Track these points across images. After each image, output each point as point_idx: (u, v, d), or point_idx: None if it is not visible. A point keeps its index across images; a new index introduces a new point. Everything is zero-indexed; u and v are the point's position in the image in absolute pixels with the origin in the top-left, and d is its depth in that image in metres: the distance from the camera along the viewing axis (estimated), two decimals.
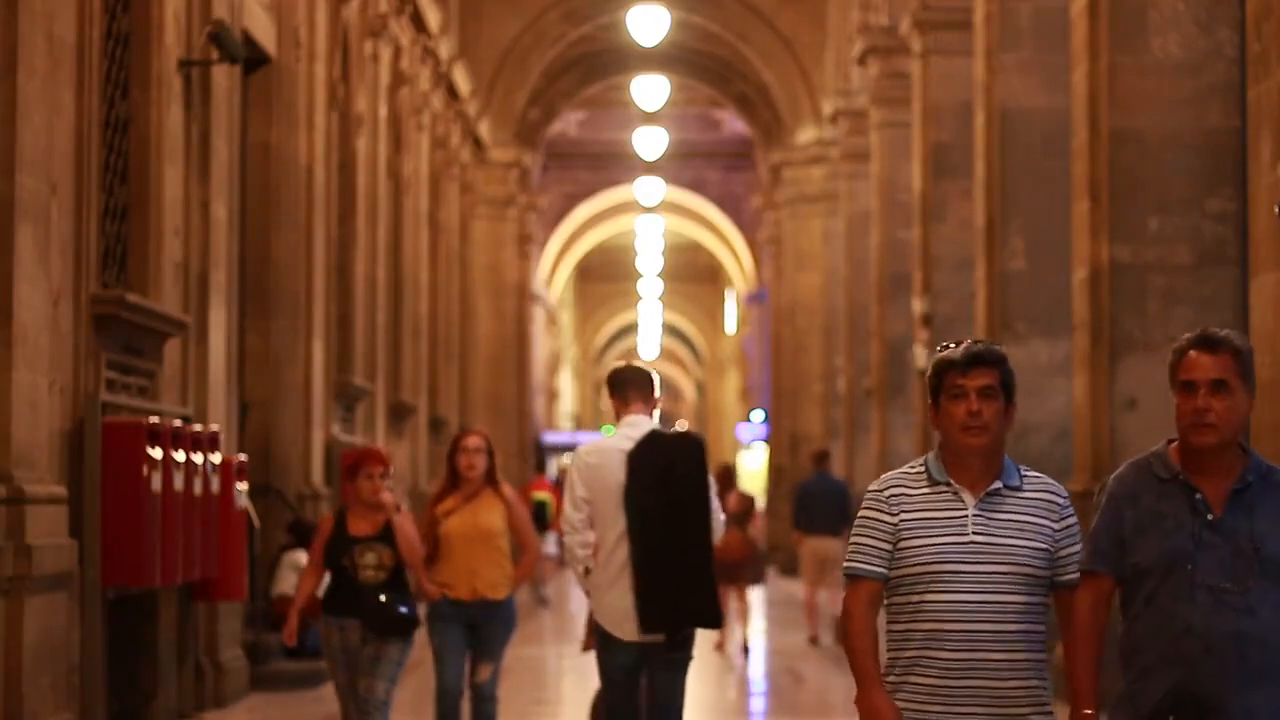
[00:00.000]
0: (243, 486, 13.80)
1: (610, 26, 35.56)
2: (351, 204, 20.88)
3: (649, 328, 72.11)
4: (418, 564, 10.21)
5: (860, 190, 28.72)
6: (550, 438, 47.49)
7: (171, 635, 13.05)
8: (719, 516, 9.08)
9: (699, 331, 70.84)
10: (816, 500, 21.43)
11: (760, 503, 35.87)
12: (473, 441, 10.37)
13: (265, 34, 17.04)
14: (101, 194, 11.98)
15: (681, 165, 47.03)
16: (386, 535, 10.20)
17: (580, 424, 67.61)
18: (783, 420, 37.24)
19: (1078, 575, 5.09)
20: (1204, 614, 4.95)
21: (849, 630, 5.10)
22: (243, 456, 14.17)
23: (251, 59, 16.27)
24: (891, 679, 5.07)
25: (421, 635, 10.36)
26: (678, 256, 60.03)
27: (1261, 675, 4.95)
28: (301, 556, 15.31)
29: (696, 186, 48.09)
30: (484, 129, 34.65)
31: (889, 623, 5.13)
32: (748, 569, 19.83)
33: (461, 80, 30.65)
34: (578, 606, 25.79)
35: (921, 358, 21.26)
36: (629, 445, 8.87)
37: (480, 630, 10.26)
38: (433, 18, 26.59)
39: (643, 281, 62.64)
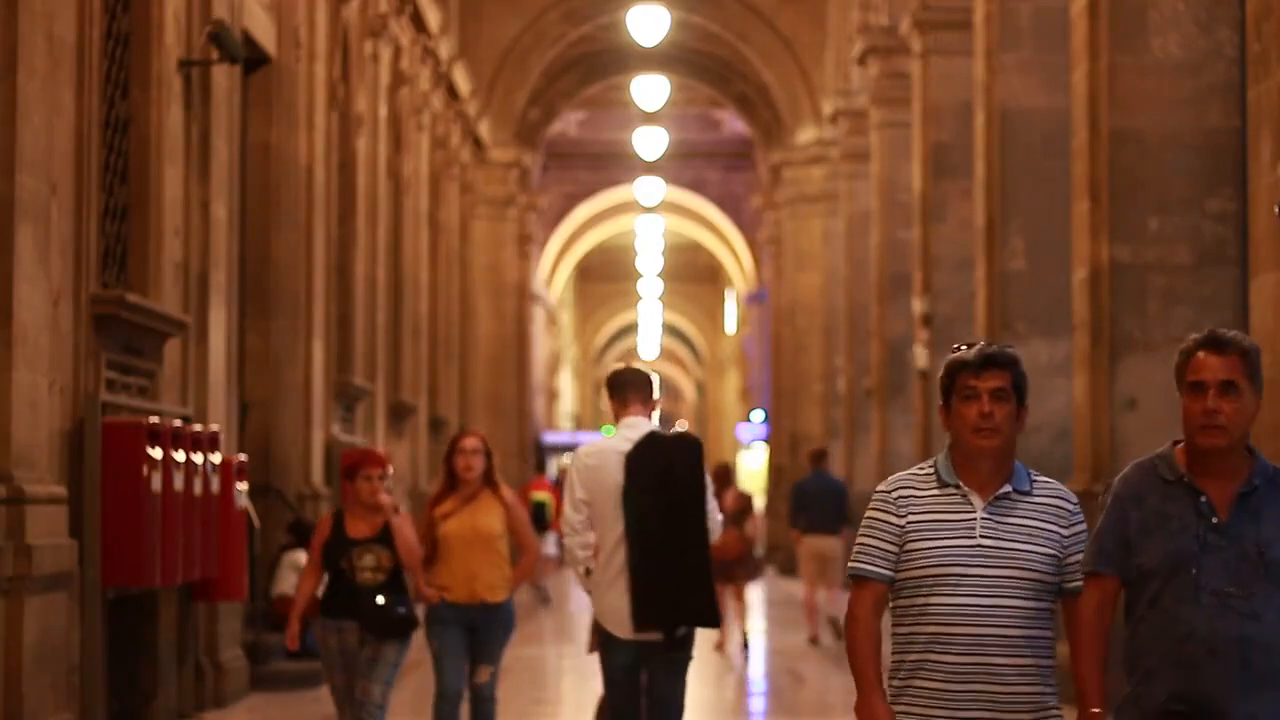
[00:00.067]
0: (243, 486, 13.80)
1: (610, 26, 35.57)
2: (351, 204, 20.88)
3: (649, 328, 72.10)
4: (416, 566, 10.19)
5: (860, 190, 28.72)
6: (550, 438, 47.50)
7: (171, 635, 13.05)
8: (716, 516, 9.09)
9: (699, 331, 70.83)
10: (814, 500, 21.43)
11: (760, 503, 35.90)
12: (470, 443, 10.34)
13: (265, 34, 17.04)
14: (101, 194, 11.98)
15: (681, 165, 47.03)
16: (385, 537, 10.19)
17: (580, 424, 67.61)
18: (783, 420, 37.24)
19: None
20: (1208, 618, 4.92)
21: (852, 634, 5.07)
22: (243, 456, 14.17)
23: (251, 59, 16.27)
24: (896, 683, 5.05)
25: (419, 637, 10.35)
26: (678, 256, 60.03)
27: (1265, 680, 4.92)
28: (301, 556, 15.30)
29: (696, 186, 48.10)
30: (484, 129, 34.65)
31: (894, 625, 5.10)
32: (744, 568, 19.83)
33: (461, 80, 30.65)
34: (578, 606, 25.80)
35: (921, 358, 21.26)
36: (627, 447, 8.87)
37: (479, 633, 10.24)
38: (433, 18, 26.59)
39: (643, 281, 62.65)
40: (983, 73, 17.17)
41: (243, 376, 16.34)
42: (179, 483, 12.00)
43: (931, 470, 5.11)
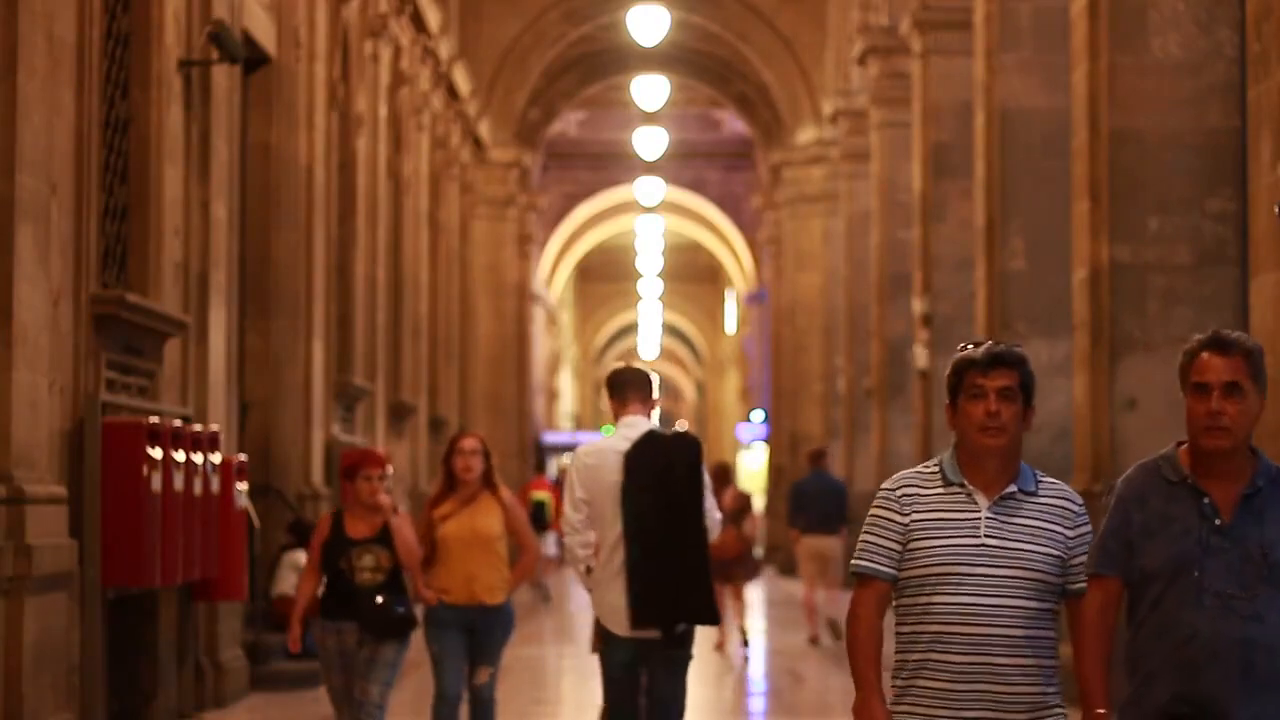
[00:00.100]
0: (243, 486, 13.80)
1: (610, 26, 35.57)
2: (351, 204, 20.88)
3: (649, 328, 72.10)
4: (415, 567, 10.18)
5: (860, 190, 28.73)
6: (550, 438, 47.50)
7: (171, 635, 13.05)
8: (715, 514, 9.10)
9: (699, 331, 70.83)
10: (813, 499, 21.43)
11: (760, 503, 35.91)
12: (469, 444, 10.33)
13: (265, 34, 17.04)
14: (101, 194, 11.98)
15: (681, 165, 47.03)
16: (384, 537, 10.17)
17: (580, 424, 67.61)
18: (783, 420, 37.24)
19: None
20: (1210, 620, 4.89)
21: (854, 633, 5.05)
22: (243, 456, 14.17)
23: (251, 59, 16.27)
24: (899, 682, 5.04)
25: (418, 638, 10.34)
26: (678, 256, 60.03)
27: (1268, 683, 4.90)
28: (301, 556, 15.29)
29: (696, 186, 48.10)
30: (484, 129, 34.65)
31: (897, 624, 5.08)
32: (743, 567, 19.83)
33: (461, 80, 30.65)
34: (578, 606, 25.80)
35: (921, 358, 21.26)
36: (626, 446, 8.88)
37: (478, 635, 10.22)
38: (433, 18, 26.59)
39: (643, 281, 62.65)
40: (983, 73, 17.17)
41: (243, 376, 16.34)
42: (179, 483, 12.00)
43: (937, 469, 5.09)
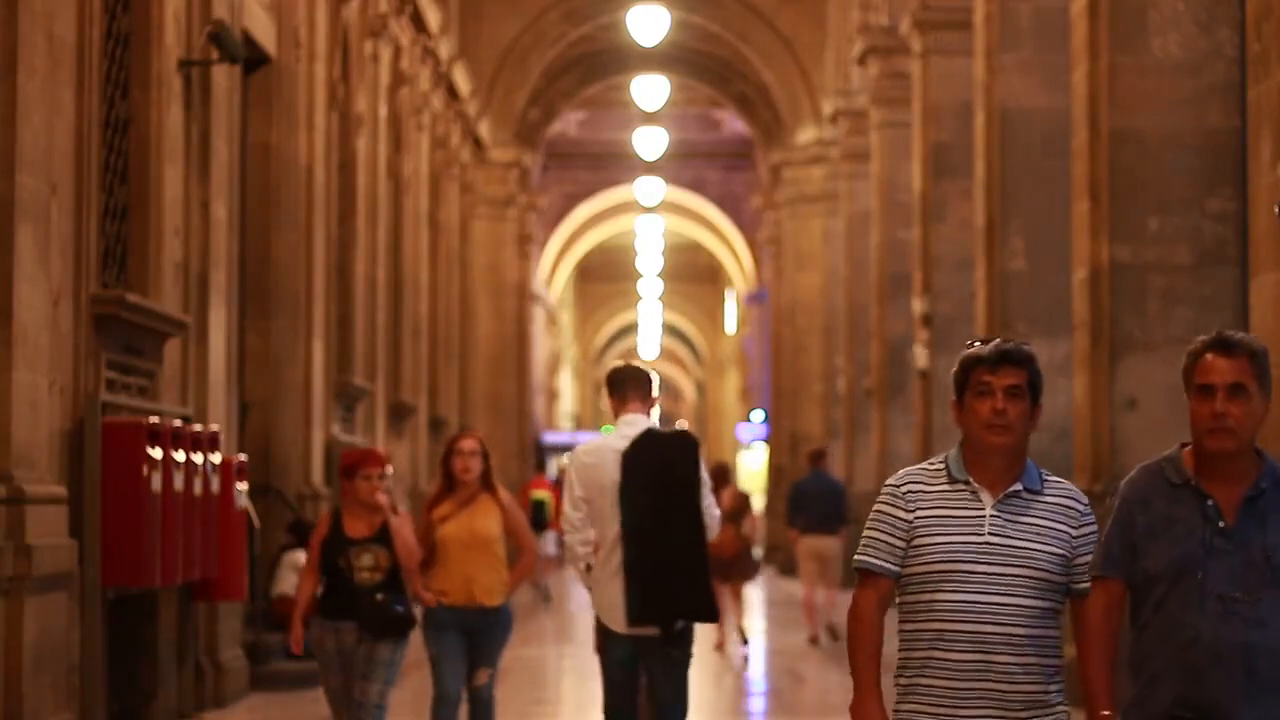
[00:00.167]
0: (243, 486, 13.80)
1: (610, 26, 35.57)
2: (351, 204, 20.88)
3: (649, 328, 72.10)
4: (413, 567, 10.15)
5: (860, 190, 28.73)
6: (550, 438, 47.49)
7: (171, 635, 13.04)
8: (714, 513, 9.10)
9: (699, 331, 70.84)
10: (812, 499, 21.44)
11: (760, 503, 35.91)
12: (467, 444, 10.32)
13: (265, 34, 17.04)
14: (101, 194, 11.98)
15: (681, 165, 47.03)
16: (383, 537, 10.16)
17: (580, 424, 67.61)
18: (783, 420, 37.24)
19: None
20: (1213, 623, 4.87)
21: (854, 630, 5.04)
22: (243, 456, 14.16)
23: (251, 59, 16.27)
24: (903, 680, 5.02)
25: (416, 638, 10.34)
26: (678, 256, 60.03)
27: (1270, 687, 4.88)
28: (301, 556, 15.28)
29: (696, 186, 48.10)
30: (484, 129, 34.65)
31: (900, 622, 5.07)
32: (741, 566, 19.84)
33: (461, 80, 30.65)
34: (578, 606, 25.80)
35: (921, 358, 21.27)
36: (625, 444, 8.89)
37: (477, 636, 10.22)
38: (433, 18, 26.59)
39: (643, 281, 62.64)
40: (983, 73, 17.17)
41: (243, 376, 16.34)
42: (179, 483, 12.00)
43: (942, 465, 5.07)
